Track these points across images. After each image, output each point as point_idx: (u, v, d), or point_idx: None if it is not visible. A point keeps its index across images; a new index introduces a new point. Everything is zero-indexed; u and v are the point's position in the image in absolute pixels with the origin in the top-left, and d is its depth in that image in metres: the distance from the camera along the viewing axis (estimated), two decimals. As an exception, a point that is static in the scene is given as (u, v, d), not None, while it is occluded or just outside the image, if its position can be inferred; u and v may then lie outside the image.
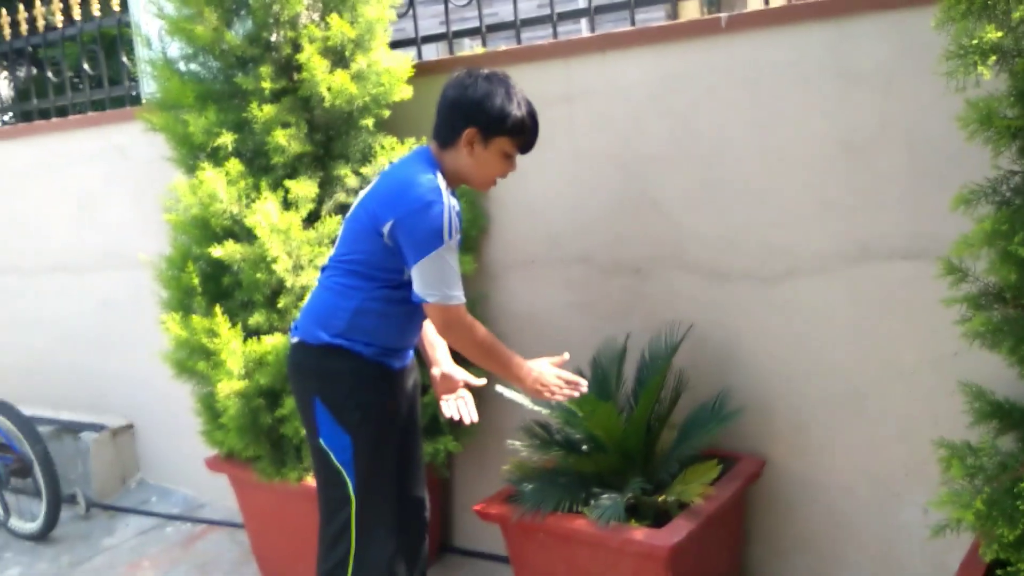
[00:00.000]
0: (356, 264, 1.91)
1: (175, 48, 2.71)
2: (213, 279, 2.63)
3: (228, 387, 2.43)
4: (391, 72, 2.56)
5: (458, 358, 2.10)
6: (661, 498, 2.17)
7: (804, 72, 2.17)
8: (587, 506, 2.16)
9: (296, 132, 2.51)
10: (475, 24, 2.87)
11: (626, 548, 2.05)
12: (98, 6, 3.64)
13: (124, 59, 3.63)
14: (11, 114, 4.78)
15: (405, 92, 2.58)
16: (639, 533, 2.05)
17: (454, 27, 2.89)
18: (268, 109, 2.47)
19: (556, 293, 2.65)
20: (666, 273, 2.46)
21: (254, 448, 2.57)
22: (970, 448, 1.61)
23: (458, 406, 2.09)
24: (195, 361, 2.57)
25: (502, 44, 2.88)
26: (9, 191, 3.98)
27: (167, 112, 2.66)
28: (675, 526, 2.06)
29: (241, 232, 2.51)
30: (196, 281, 2.59)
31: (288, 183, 2.51)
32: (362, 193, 1.98)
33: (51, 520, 3.31)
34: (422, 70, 2.65)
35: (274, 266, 2.42)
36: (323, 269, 2.02)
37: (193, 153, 2.63)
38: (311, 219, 2.57)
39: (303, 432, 2.40)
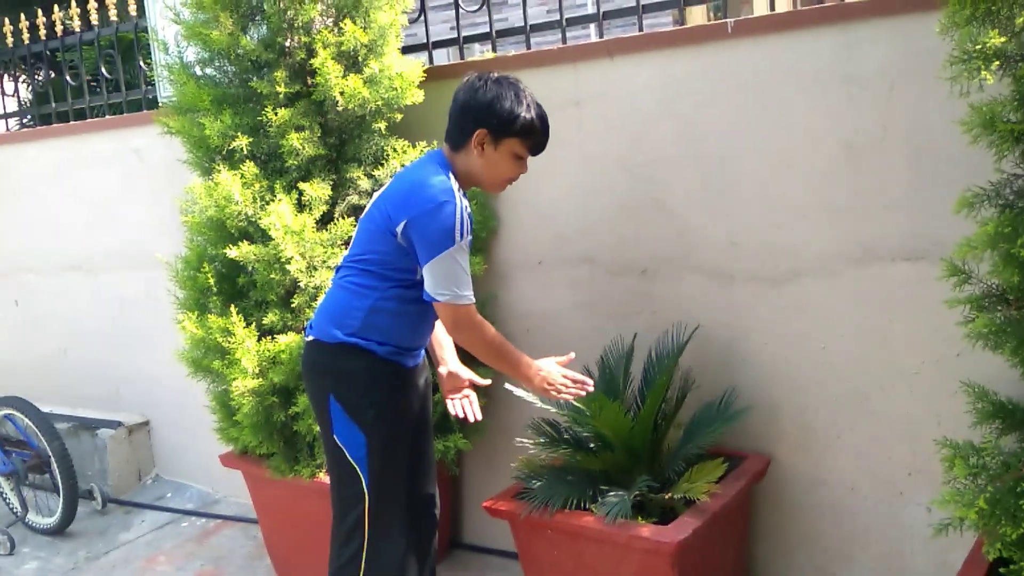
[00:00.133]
0: (370, 264, 1.94)
1: (191, 53, 2.76)
2: (228, 279, 2.67)
3: (242, 385, 2.47)
4: (403, 76, 2.60)
5: (465, 358, 2.13)
6: (667, 496, 2.20)
7: (809, 76, 2.20)
8: (595, 503, 2.19)
9: (310, 135, 2.55)
10: (485, 29, 2.90)
11: (633, 545, 2.07)
12: (115, 11, 3.70)
13: (141, 63, 3.68)
14: (30, 117, 4.85)
15: (417, 96, 2.62)
16: (646, 530, 2.08)
17: (465, 32, 2.92)
18: (283, 113, 2.52)
19: (564, 293, 2.68)
20: (672, 274, 2.49)
21: (268, 445, 2.61)
22: (973, 448, 1.63)
23: (463, 405, 2.13)
24: (210, 359, 2.62)
25: (512, 49, 2.92)
26: (28, 192, 4.04)
27: (184, 115, 2.70)
28: (681, 523, 2.09)
29: (256, 233, 2.56)
30: (212, 281, 2.63)
31: (302, 185, 2.56)
32: (376, 195, 2.02)
33: (68, 515, 3.37)
34: (433, 75, 2.68)
35: (288, 266, 2.46)
36: (338, 269, 2.05)
37: (209, 156, 2.67)
38: (324, 221, 2.61)
39: (316, 429, 2.45)
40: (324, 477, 2.54)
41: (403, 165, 2.37)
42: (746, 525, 2.43)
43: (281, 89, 2.53)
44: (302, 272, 2.48)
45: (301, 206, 2.57)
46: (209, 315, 2.61)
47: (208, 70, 2.72)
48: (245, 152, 2.56)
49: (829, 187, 2.22)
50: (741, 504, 2.31)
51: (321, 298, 2.09)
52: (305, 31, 2.57)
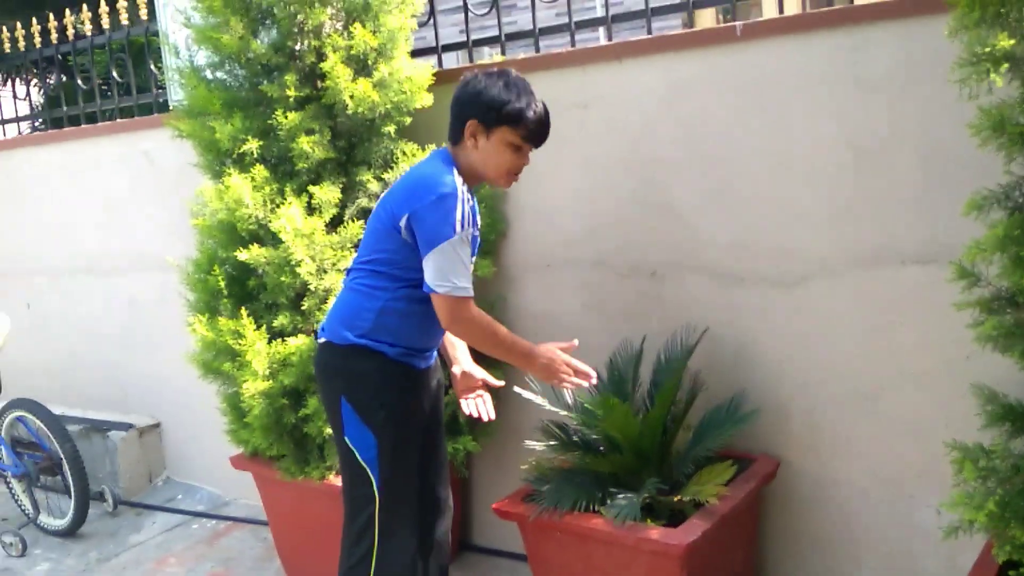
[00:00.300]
0: (379, 264, 1.95)
1: (202, 56, 2.78)
2: (239, 282, 2.69)
3: (253, 387, 2.49)
4: (412, 80, 2.61)
5: (477, 358, 2.14)
6: (676, 498, 2.20)
7: (817, 79, 2.20)
8: (603, 505, 2.20)
9: (320, 139, 2.57)
10: (494, 33, 2.91)
11: (642, 547, 2.08)
12: (126, 15, 3.73)
13: (152, 67, 3.71)
14: (41, 121, 4.88)
15: (426, 99, 2.64)
16: (655, 532, 2.08)
17: (474, 36, 2.93)
18: (293, 116, 2.53)
19: (573, 296, 2.69)
20: (681, 276, 2.49)
21: (278, 447, 2.63)
22: (983, 450, 1.63)
23: (477, 404, 2.13)
24: (221, 362, 2.63)
25: (521, 52, 2.92)
26: (39, 195, 4.07)
27: (194, 119, 2.72)
28: (690, 526, 2.09)
29: (266, 236, 2.57)
30: (222, 284, 2.65)
31: (312, 188, 2.57)
32: (382, 195, 2.03)
33: (80, 517, 3.39)
34: (442, 78, 2.70)
35: (298, 269, 2.47)
36: (348, 272, 2.06)
37: (220, 159, 2.69)
38: (334, 224, 2.63)
39: (326, 431, 2.46)
40: (334, 479, 2.55)
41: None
42: (755, 527, 2.43)
43: (291, 93, 2.54)
44: (312, 275, 2.49)
45: (311, 209, 2.58)
46: (220, 317, 2.63)
47: (219, 74, 2.74)
48: (255, 155, 2.58)
49: (838, 189, 2.22)
50: (750, 506, 2.31)
51: (331, 301, 2.10)
52: (315, 35, 2.58)
